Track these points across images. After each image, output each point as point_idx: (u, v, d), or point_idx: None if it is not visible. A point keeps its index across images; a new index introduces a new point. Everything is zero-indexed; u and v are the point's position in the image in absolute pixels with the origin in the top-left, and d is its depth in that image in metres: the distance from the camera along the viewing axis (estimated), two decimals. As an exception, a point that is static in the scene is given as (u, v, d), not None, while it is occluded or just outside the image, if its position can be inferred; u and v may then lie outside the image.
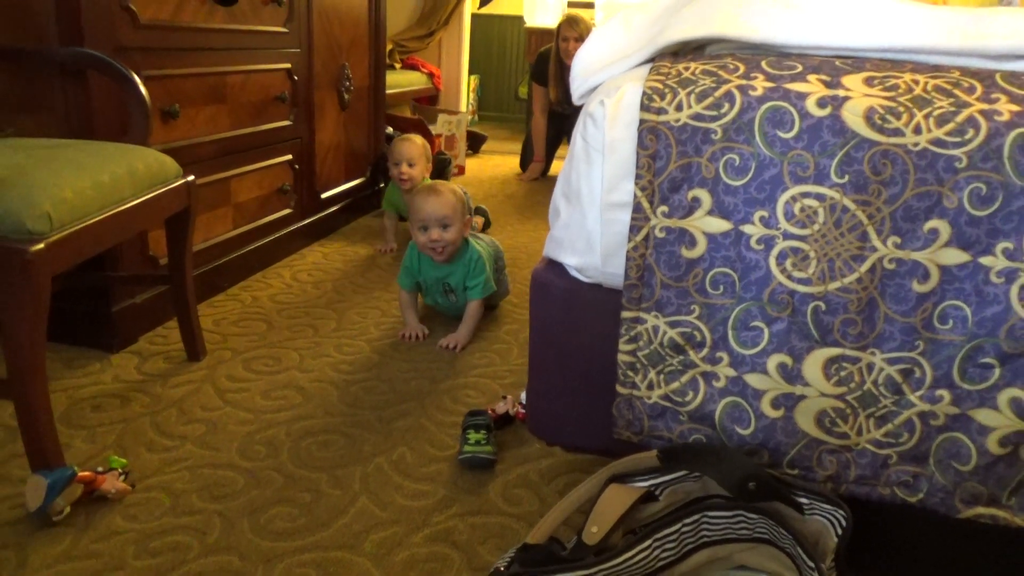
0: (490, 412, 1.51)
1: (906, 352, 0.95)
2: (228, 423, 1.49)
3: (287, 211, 2.54)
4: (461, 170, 4.23)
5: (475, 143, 4.88)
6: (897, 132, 0.91)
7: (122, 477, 1.25)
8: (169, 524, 1.19)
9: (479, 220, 2.96)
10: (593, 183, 1.03)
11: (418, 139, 2.73)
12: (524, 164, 4.32)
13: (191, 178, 1.60)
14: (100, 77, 1.62)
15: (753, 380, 1.00)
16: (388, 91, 3.46)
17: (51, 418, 1.22)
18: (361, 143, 3.10)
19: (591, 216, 1.04)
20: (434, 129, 3.94)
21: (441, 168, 3.21)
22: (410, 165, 2.62)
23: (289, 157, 2.50)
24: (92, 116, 1.64)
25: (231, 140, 2.16)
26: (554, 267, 1.14)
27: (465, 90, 5.20)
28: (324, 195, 2.78)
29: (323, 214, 2.78)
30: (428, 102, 4.74)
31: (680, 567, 0.92)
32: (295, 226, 2.59)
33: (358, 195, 3.09)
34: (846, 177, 0.93)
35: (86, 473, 1.20)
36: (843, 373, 0.97)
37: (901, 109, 0.92)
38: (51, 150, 1.38)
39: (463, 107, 5.04)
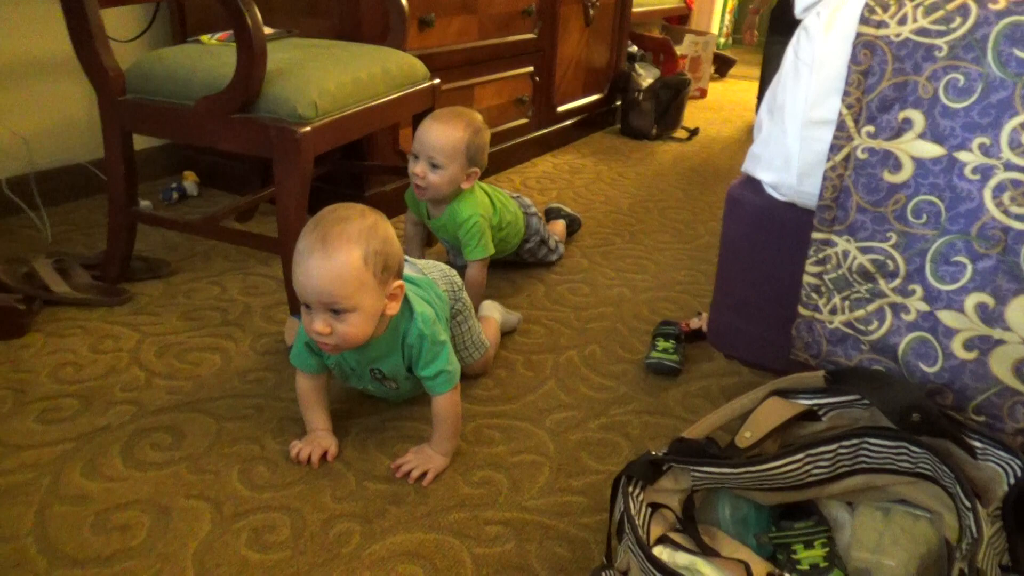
0: (683, 325, 1.56)
1: None
2: (446, 302, 1.68)
3: (523, 120, 2.68)
4: (703, 93, 4.12)
5: (723, 67, 4.69)
6: None
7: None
8: (387, 375, 1.40)
9: (560, 226, 2.02)
10: (797, 98, 1.01)
11: (461, 121, 1.50)
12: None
13: (436, 81, 1.78)
14: (368, -14, 1.83)
15: (946, 317, 0.95)
16: (636, 9, 3.43)
17: (306, 274, 1.47)
18: (602, 60, 3.14)
19: (791, 132, 1.03)
20: (679, 50, 3.85)
21: (679, 89, 3.16)
22: (434, 166, 1.49)
23: (530, 69, 2.62)
24: (359, 21, 1.86)
25: (478, 49, 2.31)
26: (750, 183, 1.14)
27: (719, 10, 4.97)
28: (560, 108, 2.89)
29: (557, 127, 2.89)
30: (678, 22, 4.61)
31: (832, 487, 0.93)
32: (529, 136, 2.73)
33: (594, 111, 3.16)
34: (1091, 105, 0.83)
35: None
36: (1054, 322, 0.89)
37: None
38: (322, 49, 1.60)
39: (714, 28, 4.83)
